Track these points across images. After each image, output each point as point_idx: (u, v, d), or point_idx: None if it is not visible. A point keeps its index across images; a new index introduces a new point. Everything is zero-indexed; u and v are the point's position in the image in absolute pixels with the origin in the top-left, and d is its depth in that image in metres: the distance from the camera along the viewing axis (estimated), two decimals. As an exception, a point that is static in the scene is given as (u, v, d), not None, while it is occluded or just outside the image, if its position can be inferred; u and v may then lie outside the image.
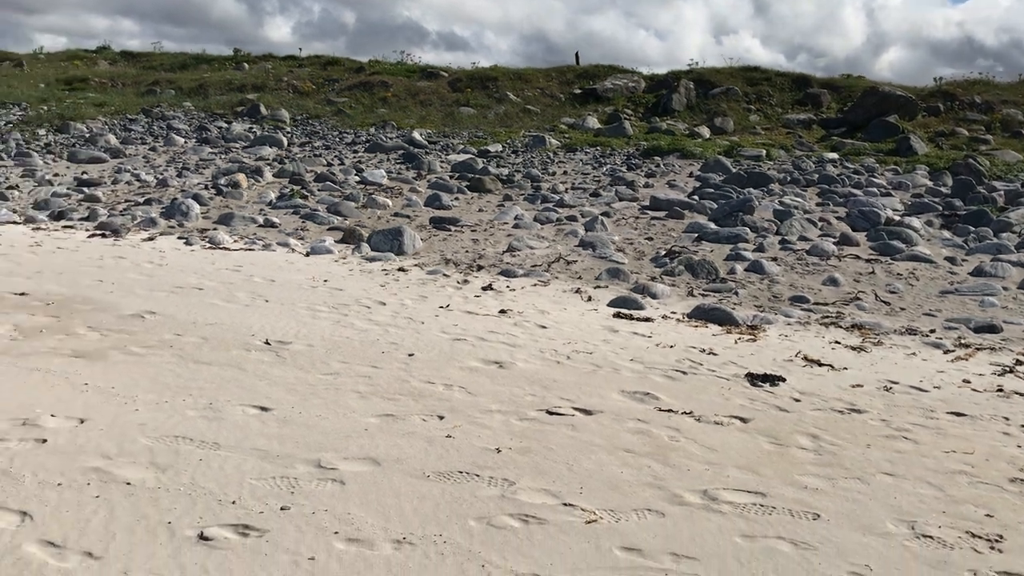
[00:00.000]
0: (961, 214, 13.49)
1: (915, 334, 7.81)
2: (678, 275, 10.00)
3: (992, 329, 7.98)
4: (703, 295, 9.26)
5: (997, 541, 3.70)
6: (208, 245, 10.98)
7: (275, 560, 3.21)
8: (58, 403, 4.74)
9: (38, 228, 11.97)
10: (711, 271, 10.00)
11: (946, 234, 12.49)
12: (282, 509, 3.62)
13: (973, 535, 3.73)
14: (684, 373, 6.16)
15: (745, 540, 3.59)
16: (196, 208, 12.85)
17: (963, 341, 7.62)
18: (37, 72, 27.19)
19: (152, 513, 3.52)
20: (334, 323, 7.14)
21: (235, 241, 11.34)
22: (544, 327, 7.48)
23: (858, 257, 11.10)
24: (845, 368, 6.52)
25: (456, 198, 14.59)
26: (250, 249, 10.87)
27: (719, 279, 9.85)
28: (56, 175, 16.17)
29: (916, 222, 12.70)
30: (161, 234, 11.72)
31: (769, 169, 17.05)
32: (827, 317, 8.32)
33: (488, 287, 9.22)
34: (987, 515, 3.96)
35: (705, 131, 21.79)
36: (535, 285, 9.46)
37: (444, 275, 9.75)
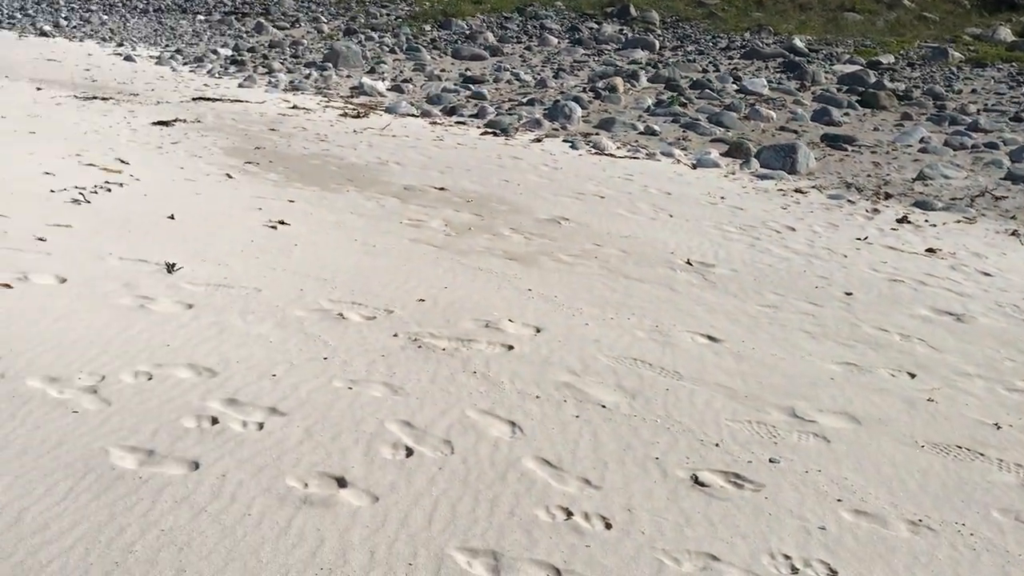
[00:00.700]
0: None
1: None
2: None
3: None
4: None
5: None
6: (593, 150, 10.95)
7: (781, 523, 2.91)
8: (510, 308, 4.82)
9: (434, 122, 12.67)
10: None
11: None
12: (770, 461, 3.32)
13: None
14: None
15: None
16: (578, 111, 12.91)
17: None
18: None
19: (637, 445, 3.38)
20: (748, 246, 6.70)
21: (618, 148, 11.21)
22: (988, 275, 6.46)
23: None
24: None
25: (846, 113, 13.31)
26: (634, 157, 10.69)
27: None
28: (443, 71, 17.09)
29: None
30: (546, 136, 11.91)
31: None
32: None
33: (903, 219, 8.23)
34: None
35: None
36: (959, 222, 8.29)
37: (849, 201, 8.87)
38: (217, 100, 11.56)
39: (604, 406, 3.71)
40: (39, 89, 11.35)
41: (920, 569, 2.76)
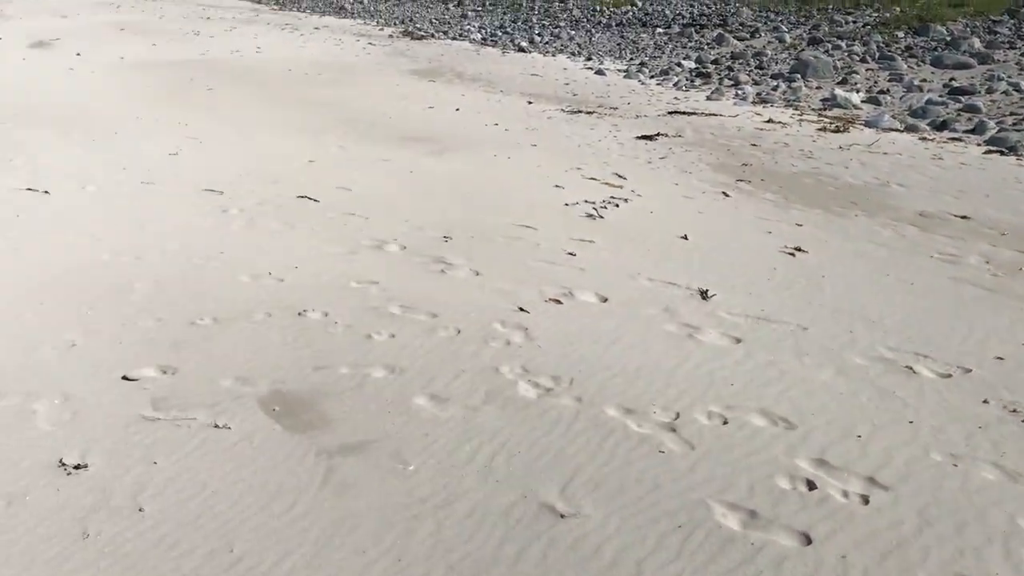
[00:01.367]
0: None
1: None
2: None
3: None
4: None
5: None
6: None
7: None
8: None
9: (924, 138, 11.35)
10: None
11: None
12: None
13: None
14: None
15: None
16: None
17: None
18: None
19: None
20: None
21: None
22: None
23: None
24: None
25: None
26: None
27: None
28: (923, 81, 15.42)
29: None
30: (1067, 154, 10.02)
31: None
32: None
33: None
34: None
35: None
36: None
37: None
38: (692, 114, 11.55)
39: None
40: (530, 103, 12.22)
41: None
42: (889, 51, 17.45)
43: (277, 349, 4.07)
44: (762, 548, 2.72)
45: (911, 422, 3.51)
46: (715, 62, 16.27)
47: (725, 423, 3.48)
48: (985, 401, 3.71)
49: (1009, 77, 14.87)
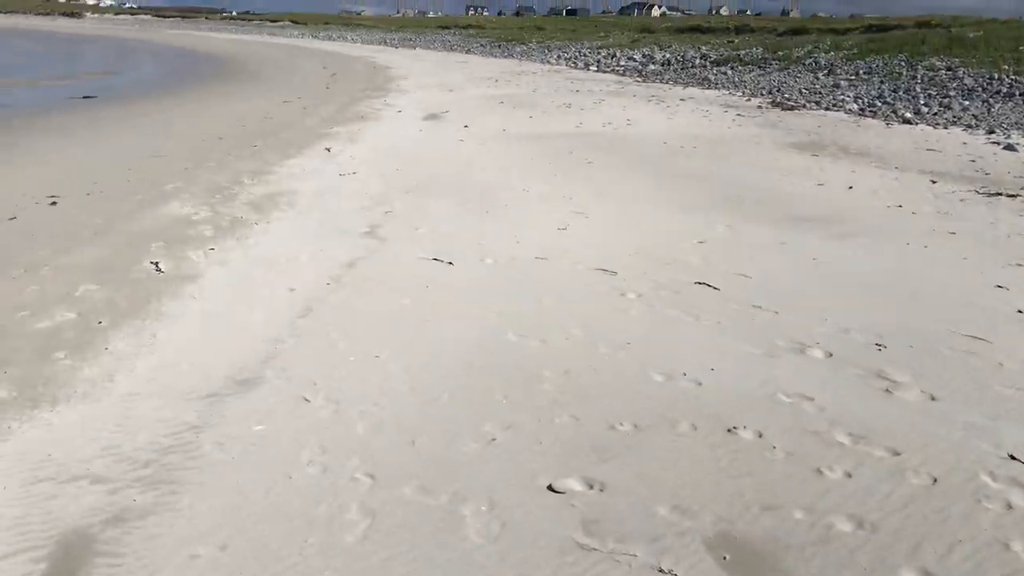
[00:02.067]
0: None
1: None
2: None
3: None
4: None
5: None
6: None
7: None
8: None
9: None
10: None
11: None
12: None
13: None
14: None
15: None
16: None
17: None
18: None
19: None
20: None
21: None
22: None
23: None
24: None
25: None
26: None
27: None
28: None
29: None
30: None
31: None
32: None
33: None
34: None
35: None
36: None
37: None
38: None
39: None
40: (933, 182, 10.81)
41: None
42: None
43: (712, 474, 3.51)
44: None
45: None
46: None
47: None
48: None
49: None
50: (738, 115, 18.52)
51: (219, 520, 3.26)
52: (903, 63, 25.71)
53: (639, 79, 31.31)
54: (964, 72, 23.33)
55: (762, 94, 23.77)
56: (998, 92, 20.64)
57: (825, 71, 27.20)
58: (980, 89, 21.30)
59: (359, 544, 3.10)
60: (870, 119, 18.10)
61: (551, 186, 10.33)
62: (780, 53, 32.80)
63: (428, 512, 3.29)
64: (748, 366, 4.73)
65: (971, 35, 28.20)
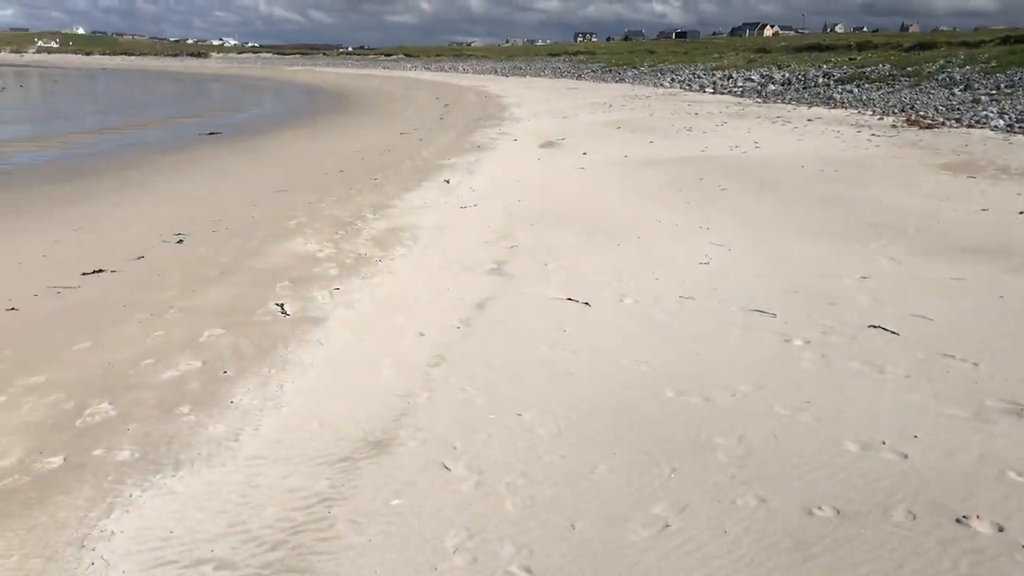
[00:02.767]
0: None
1: None
2: None
3: None
4: None
5: None
6: None
7: None
8: None
9: None
10: None
11: None
12: None
13: None
14: None
15: None
16: None
17: None
18: None
19: None
20: None
21: None
22: None
23: None
24: None
25: None
26: None
27: None
28: None
29: None
30: None
31: None
32: None
33: None
34: None
35: None
36: None
37: None
38: None
39: None
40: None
41: None
42: None
43: (952, 582, 2.81)
44: None
45: None
46: None
47: None
48: None
49: None
50: (873, 135, 17.38)
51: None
52: (1053, 74, 23.86)
53: (759, 100, 30.23)
54: None
55: (894, 112, 22.40)
56: None
57: (961, 86, 25.50)
58: None
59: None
60: (1021, 136, 16.65)
61: (684, 215, 9.68)
62: (910, 69, 31.07)
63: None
64: (958, 433, 3.98)
65: None
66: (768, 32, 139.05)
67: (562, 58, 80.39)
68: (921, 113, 21.61)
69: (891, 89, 28.35)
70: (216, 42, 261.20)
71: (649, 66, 57.23)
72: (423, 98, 39.70)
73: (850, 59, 40.36)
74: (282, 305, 6.41)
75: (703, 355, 5.18)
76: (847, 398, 4.44)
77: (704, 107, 26.73)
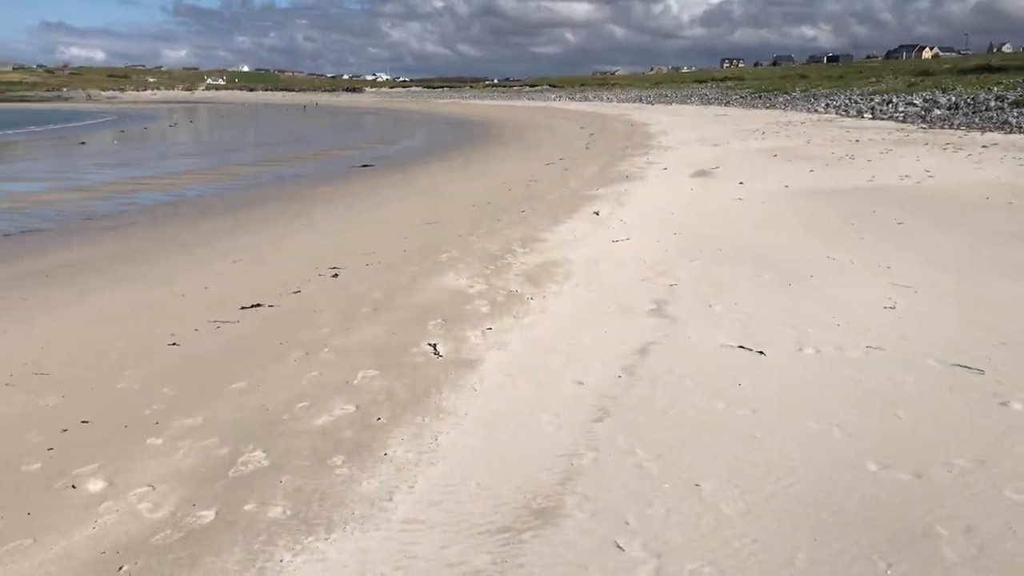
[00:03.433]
0: None
1: None
2: None
3: None
4: None
5: None
6: None
7: None
8: None
9: None
10: None
11: None
12: None
13: None
14: None
15: None
16: None
17: None
18: None
19: None
20: None
21: None
22: None
23: None
24: None
25: None
26: None
27: None
28: None
29: None
30: None
31: None
32: None
33: None
34: None
35: None
36: None
37: None
38: None
39: None
40: None
41: None
42: None
43: None
44: None
45: None
46: None
47: None
48: None
49: None
50: (1070, 162, 15.76)
51: None
52: None
53: (923, 125, 28.37)
54: None
55: (1089, 136, 20.36)
56: None
57: None
58: None
59: None
60: None
61: (859, 252, 8.90)
62: (1103, 88, 28.37)
63: None
64: None
65: None
66: (927, 54, 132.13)
67: (709, 84, 78.92)
68: (1120, 137, 19.54)
69: (1081, 111, 25.93)
70: (369, 77, 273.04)
71: (801, 91, 55.20)
72: (567, 127, 39.67)
73: (1027, 79, 37.40)
74: (435, 345, 6.18)
75: (905, 419, 4.53)
76: (1098, 483, 3.71)
77: (864, 133, 25.28)
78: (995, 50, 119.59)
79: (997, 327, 6.11)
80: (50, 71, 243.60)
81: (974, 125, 26.88)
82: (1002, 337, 5.87)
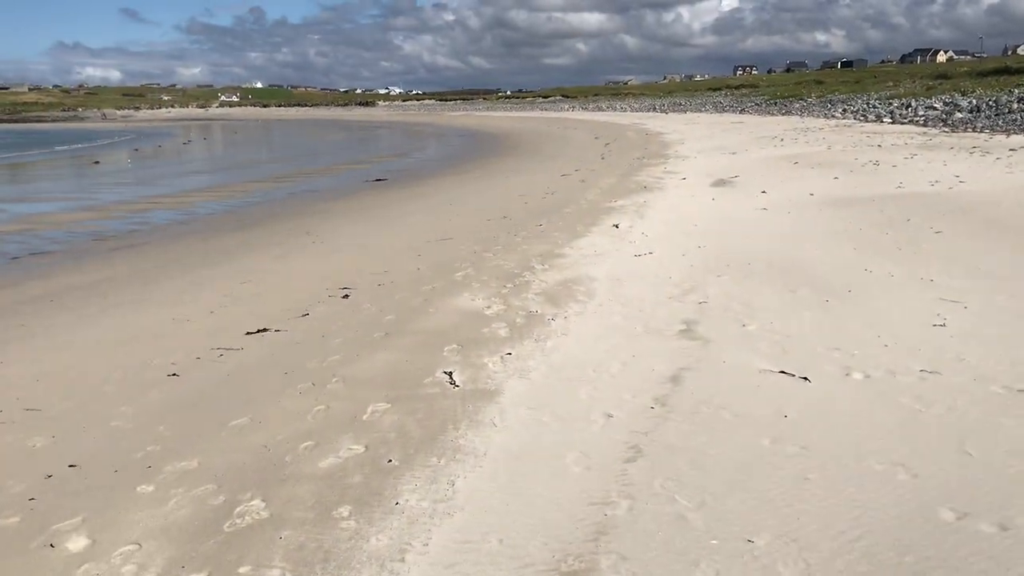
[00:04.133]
0: None
1: None
2: None
3: None
4: None
5: None
6: None
7: None
8: None
9: None
10: None
11: None
12: None
13: None
14: None
15: None
16: None
17: None
18: None
19: None
20: None
21: None
22: None
23: None
24: None
25: None
26: None
27: None
28: None
29: None
30: None
31: None
32: None
33: None
34: None
35: None
36: None
37: None
38: None
39: None
40: None
41: None
42: None
43: None
44: None
45: None
46: None
47: None
48: None
49: None
50: (1105, 164, 15.18)
51: None
52: None
53: (945, 129, 27.77)
54: None
55: (1123, 137, 19.72)
56: None
57: None
58: None
59: None
60: None
61: (898, 264, 8.40)
62: None
63: None
64: None
65: None
66: (941, 57, 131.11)
67: (723, 92, 78.39)
68: None
69: (1109, 111, 25.27)
70: (382, 91, 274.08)
71: (817, 97, 54.60)
72: (582, 137, 39.27)
73: (1050, 80, 36.69)
74: (451, 373, 5.75)
75: (977, 457, 4.05)
76: None
77: (886, 138, 24.72)
78: (1010, 52, 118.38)
79: (1061, 347, 5.61)
80: (66, 91, 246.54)
81: (998, 128, 26.27)
82: (1068, 358, 5.37)
